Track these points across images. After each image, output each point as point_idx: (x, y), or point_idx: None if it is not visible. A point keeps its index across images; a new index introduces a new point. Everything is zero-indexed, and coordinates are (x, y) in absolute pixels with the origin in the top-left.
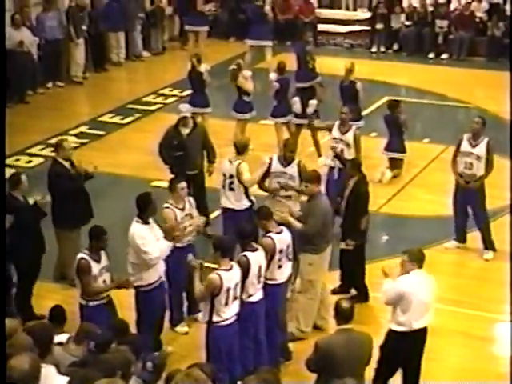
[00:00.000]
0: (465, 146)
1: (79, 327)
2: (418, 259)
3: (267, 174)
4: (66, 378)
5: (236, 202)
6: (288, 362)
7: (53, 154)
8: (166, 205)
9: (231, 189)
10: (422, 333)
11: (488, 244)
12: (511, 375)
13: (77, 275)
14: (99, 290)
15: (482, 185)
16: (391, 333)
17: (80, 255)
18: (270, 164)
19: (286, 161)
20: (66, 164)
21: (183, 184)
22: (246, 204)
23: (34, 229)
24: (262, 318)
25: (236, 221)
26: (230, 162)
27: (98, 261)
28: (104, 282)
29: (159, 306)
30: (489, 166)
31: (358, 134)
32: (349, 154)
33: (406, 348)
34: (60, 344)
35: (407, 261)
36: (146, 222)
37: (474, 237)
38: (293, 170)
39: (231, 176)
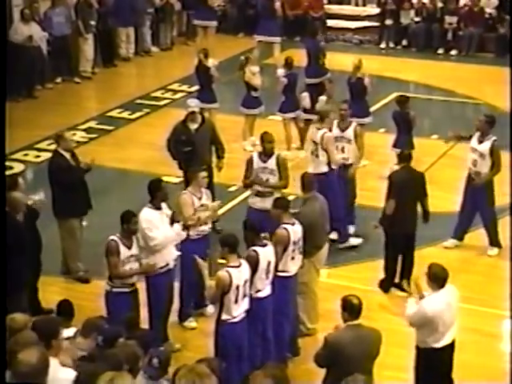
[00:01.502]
0: (473, 143)
1: (85, 320)
2: (438, 280)
3: (250, 171)
4: (70, 370)
5: (316, 166)
6: (296, 357)
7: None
8: (184, 191)
9: (316, 155)
10: (449, 348)
11: (493, 240)
12: (511, 374)
13: (105, 257)
14: (125, 274)
15: (488, 183)
16: (420, 351)
17: (111, 237)
18: (251, 162)
19: (265, 155)
20: (67, 155)
21: (204, 173)
22: (323, 170)
23: (30, 229)
24: (270, 314)
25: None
26: (318, 129)
27: (129, 247)
28: (131, 269)
29: (165, 293)
30: (494, 166)
31: (358, 128)
32: (349, 151)
33: (437, 363)
34: (68, 338)
35: (428, 281)
36: (158, 208)
37: (480, 234)
38: (272, 163)
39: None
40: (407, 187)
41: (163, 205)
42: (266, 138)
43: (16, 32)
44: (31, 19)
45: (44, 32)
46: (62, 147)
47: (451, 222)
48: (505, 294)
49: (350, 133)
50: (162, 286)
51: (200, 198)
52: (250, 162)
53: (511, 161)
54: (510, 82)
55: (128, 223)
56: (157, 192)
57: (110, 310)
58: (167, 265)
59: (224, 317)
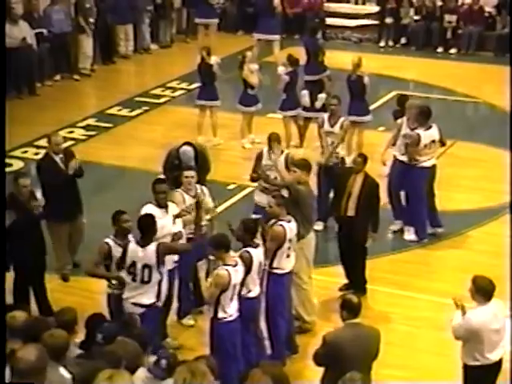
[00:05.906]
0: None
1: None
2: (486, 293)
3: (258, 166)
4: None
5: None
6: (294, 355)
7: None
8: (177, 190)
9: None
10: (497, 365)
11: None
12: (511, 373)
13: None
14: (99, 274)
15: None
16: (468, 368)
17: (105, 239)
18: (260, 157)
19: (274, 154)
20: (57, 158)
21: (188, 173)
22: None
23: (35, 228)
24: (261, 312)
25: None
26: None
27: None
28: None
29: None
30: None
31: (346, 123)
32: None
33: (485, 381)
34: None
35: (474, 292)
36: (160, 206)
37: (470, 235)
38: (281, 162)
39: None
40: None
41: (172, 205)
42: (272, 141)
43: (9, 37)
44: (19, 18)
45: (33, 29)
46: (52, 150)
47: (449, 220)
48: (504, 293)
49: (337, 127)
50: None
51: (194, 196)
52: (259, 156)
53: (511, 160)
54: (510, 80)
55: (114, 222)
56: (154, 188)
57: (112, 313)
58: None
59: (220, 315)
